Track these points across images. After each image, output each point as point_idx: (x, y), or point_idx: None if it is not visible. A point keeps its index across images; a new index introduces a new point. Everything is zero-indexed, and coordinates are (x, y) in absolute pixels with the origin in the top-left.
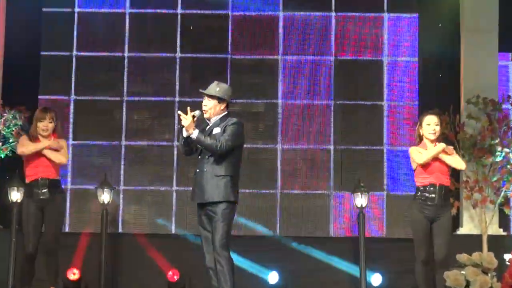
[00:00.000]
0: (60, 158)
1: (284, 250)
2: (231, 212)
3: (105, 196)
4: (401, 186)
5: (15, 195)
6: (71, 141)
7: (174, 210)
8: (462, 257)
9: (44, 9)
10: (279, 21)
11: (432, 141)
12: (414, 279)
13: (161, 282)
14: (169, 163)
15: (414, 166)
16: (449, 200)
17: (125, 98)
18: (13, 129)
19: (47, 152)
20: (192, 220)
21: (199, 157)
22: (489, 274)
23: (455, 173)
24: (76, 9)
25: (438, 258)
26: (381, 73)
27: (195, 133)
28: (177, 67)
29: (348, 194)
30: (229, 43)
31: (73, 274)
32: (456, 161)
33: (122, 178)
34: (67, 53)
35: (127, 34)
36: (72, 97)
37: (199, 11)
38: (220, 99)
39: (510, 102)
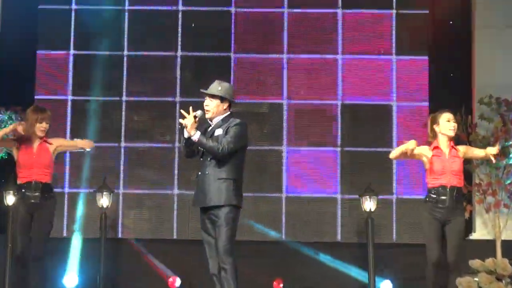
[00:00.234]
0: (85, 143)
1: (290, 255)
2: (235, 217)
3: (104, 200)
4: (411, 190)
5: (11, 199)
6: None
7: (175, 214)
8: (475, 263)
9: (40, 6)
10: (284, 18)
11: (450, 139)
12: (425, 286)
13: None
14: (170, 166)
15: (426, 165)
16: (462, 202)
17: (124, 98)
18: None
19: (78, 142)
20: (195, 225)
21: (201, 159)
22: (503, 281)
23: (467, 176)
24: (73, 6)
25: (449, 261)
26: (389, 72)
27: (196, 135)
28: (178, 66)
29: (356, 197)
30: (232, 41)
31: (71, 281)
32: (482, 151)
33: (121, 181)
34: (64, 52)
35: (126, 31)
36: (70, 97)
37: (200, 8)
38: (222, 99)
39: None
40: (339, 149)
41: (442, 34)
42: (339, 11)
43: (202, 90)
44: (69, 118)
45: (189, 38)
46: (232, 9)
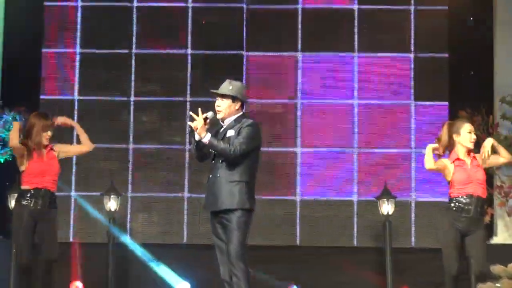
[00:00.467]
0: (82, 147)
1: (304, 261)
2: (247, 221)
3: (111, 204)
4: (430, 192)
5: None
6: (75, 144)
7: (185, 218)
8: (496, 268)
9: (45, 3)
10: (298, 14)
11: (469, 151)
12: None
13: None
14: (180, 168)
15: (448, 177)
16: (484, 213)
17: (132, 98)
18: None
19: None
20: (205, 229)
21: (213, 161)
22: None
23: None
24: (80, 3)
25: (476, 271)
26: (408, 71)
27: (206, 137)
28: (188, 64)
29: (373, 200)
30: (244, 39)
31: None
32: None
33: (130, 184)
34: (70, 50)
35: (134, 29)
36: (76, 97)
37: (211, 4)
38: (234, 98)
39: None
40: (355, 150)
41: (462, 31)
42: (355, 7)
43: (212, 90)
44: (75, 119)
45: (199, 36)
46: (244, 5)
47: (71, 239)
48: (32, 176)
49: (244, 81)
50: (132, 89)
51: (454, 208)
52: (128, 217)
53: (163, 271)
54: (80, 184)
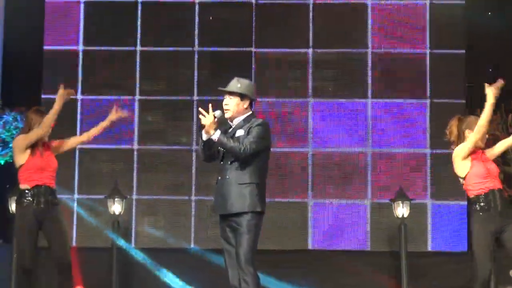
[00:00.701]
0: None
1: (316, 265)
2: (258, 224)
3: (116, 207)
4: (447, 193)
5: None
6: (78, 145)
7: (193, 222)
8: None
9: None
10: (309, 10)
11: (479, 149)
12: None
13: None
14: (187, 170)
15: (461, 173)
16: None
17: (137, 97)
18: (14, 132)
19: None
20: (213, 233)
21: (221, 162)
22: None
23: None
24: None
25: None
26: (423, 67)
27: (216, 134)
28: (195, 62)
29: (387, 202)
30: (253, 35)
31: None
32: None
33: (134, 186)
34: (73, 48)
35: (139, 26)
36: (79, 96)
37: (219, 0)
38: (242, 96)
39: None
40: (369, 150)
41: (480, 26)
42: (369, 2)
43: (220, 88)
44: (79, 119)
45: (206, 32)
46: (253, 0)
47: (73, 243)
48: (31, 172)
49: (253, 79)
50: (137, 88)
51: (481, 209)
52: (133, 221)
53: (167, 276)
54: (83, 186)
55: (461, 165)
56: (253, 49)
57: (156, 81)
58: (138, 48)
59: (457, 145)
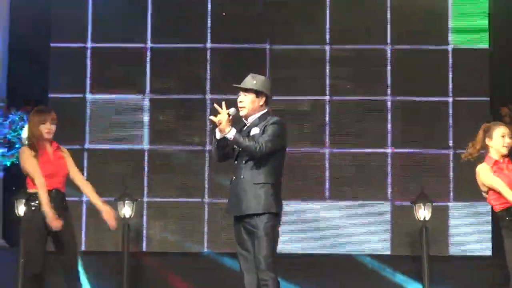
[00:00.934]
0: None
1: (335, 270)
2: (275, 225)
3: (126, 210)
4: (470, 195)
5: (23, 209)
6: (86, 146)
7: (206, 225)
8: None
9: None
10: (325, 4)
11: (503, 156)
12: None
13: None
14: (200, 171)
15: (484, 188)
16: None
17: (147, 95)
18: (20, 132)
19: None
20: (227, 237)
21: (235, 162)
22: None
23: None
24: None
25: None
26: (445, 64)
27: (231, 132)
28: (208, 59)
29: (408, 204)
30: (268, 31)
31: None
32: None
33: (145, 189)
34: (81, 44)
35: (149, 22)
36: (87, 95)
37: None
38: (257, 93)
39: None
40: (389, 150)
41: (504, 20)
42: None
43: (234, 85)
44: (86, 118)
45: (219, 28)
46: None
47: (82, 247)
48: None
49: (267, 76)
50: (148, 86)
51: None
52: (144, 225)
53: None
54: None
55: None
56: (267, 46)
57: (167, 79)
58: (149, 44)
59: (475, 148)
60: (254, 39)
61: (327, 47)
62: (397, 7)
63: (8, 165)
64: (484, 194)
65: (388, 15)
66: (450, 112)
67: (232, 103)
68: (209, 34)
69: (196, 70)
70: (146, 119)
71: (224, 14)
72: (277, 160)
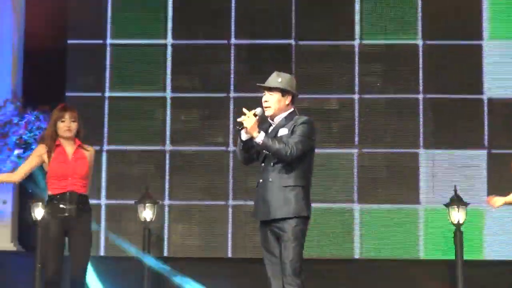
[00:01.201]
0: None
1: (364, 276)
2: (304, 230)
3: (146, 213)
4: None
5: (40, 213)
6: (105, 147)
7: (230, 229)
8: None
9: None
10: None
11: None
12: None
13: None
14: (223, 173)
15: None
16: None
17: (169, 94)
18: (36, 133)
19: None
20: (252, 241)
21: (263, 164)
22: None
23: None
24: None
25: None
26: (479, 60)
27: (260, 137)
28: (232, 56)
29: (441, 207)
30: (293, 27)
31: None
32: None
33: (167, 191)
34: (99, 41)
35: (170, 17)
36: (106, 94)
37: None
38: (283, 92)
39: None
40: (421, 150)
41: None
42: None
43: (258, 84)
44: (105, 118)
45: (243, 24)
46: None
47: (102, 253)
48: (53, 179)
49: (293, 74)
50: (169, 84)
51: None
52: (165, 228)
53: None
54: (111, 191)
55: None
56: (293, 42)
57: (189, 76)
58: (170, 41)
59: None
60: (280, 34)
61: (356, 42)
62: (429, 2)
63: None
64: None
65: (420, 9)
66: (485, 110)
67: (257, 102)
68: (233, 29)
69: (219, 67)
70: (167, 118)
71: (248, 8)
72: (306, 162)
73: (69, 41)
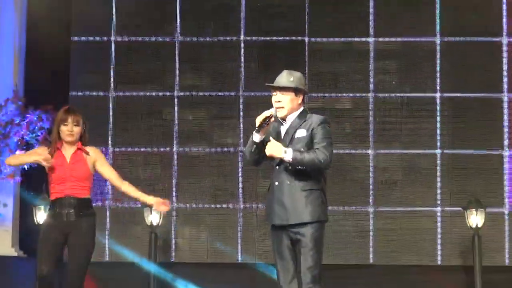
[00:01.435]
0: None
1: (380, 282)
2: (322, 234)
3: (153, 217)
4: None
5: (41, 216)
6: (110, 148)
7: (240, 233)
8: None
9: None
10: None
11: None
12: None
13: None
14: (233, 175)
15: None
16: None
17: (176, 93)
18: (39, 133)
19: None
20: (263, 245)
21: (277, 167)
22: None
23: None
24: None
25: None
26: (499, 58)
27: (289, 154)
28: (242, 53)
29: (459, 211)
30: (306, 23)
31: None
32: None
33: (174, 194)
34: (104, 38)
35: (178, 13)
36: (111, 93)
37: None
38: (296, 91)
39: None
40: (438, 151)
41: None
42: None
43: (270, 84)
44: (110, 118)
45: (254, 20)
46: None
47: (106, 258)
48: (53, 183)
49: (306, 72)
50: (177, 83)
51: None
52: (173, 233)
53: None
54: (116, 194)
55: None
56: (306, 39)
57: (198, 75)
58: (177, 38)
59: None
60: (292, 31)
61: (372, 40)
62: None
63: (26, 169)
64: None
65: (437, 4)
66: (505, 109)
67: (267, 101)
68: (243, 26)
69: (229, 65)
70: (174, 118)
71: (259, 4)
72: None
73: (73, 38)
